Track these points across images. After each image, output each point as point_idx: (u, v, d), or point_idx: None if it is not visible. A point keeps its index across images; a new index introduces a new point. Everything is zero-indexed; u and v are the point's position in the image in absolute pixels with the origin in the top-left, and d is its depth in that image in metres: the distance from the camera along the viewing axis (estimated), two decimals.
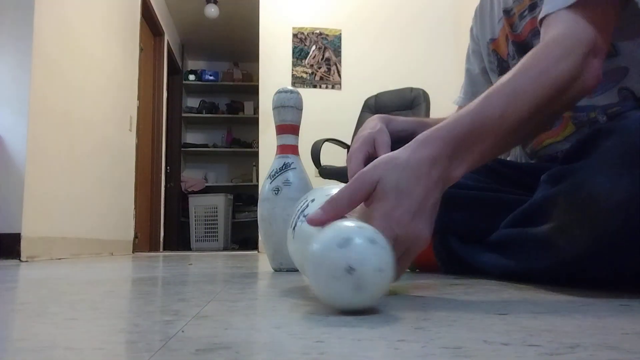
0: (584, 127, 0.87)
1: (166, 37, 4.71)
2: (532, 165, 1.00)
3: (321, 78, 3.89)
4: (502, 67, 1.00)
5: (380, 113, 0.95)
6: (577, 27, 0.67)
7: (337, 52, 3.92)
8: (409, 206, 0.53)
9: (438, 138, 0.56)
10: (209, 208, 5.32)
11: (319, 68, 3.89)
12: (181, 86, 5.64)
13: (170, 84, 4.95)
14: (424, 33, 3.96)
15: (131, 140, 3.56)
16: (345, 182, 0.56)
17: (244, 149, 5.82)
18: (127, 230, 3.44)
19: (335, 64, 3.90)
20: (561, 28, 0.67)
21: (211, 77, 5.89)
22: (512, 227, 0.77)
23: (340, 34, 3.94)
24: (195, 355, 0.30)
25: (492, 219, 0.83)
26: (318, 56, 3.89)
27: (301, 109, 1.22)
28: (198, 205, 5.33)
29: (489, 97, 0.60)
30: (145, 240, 4.06)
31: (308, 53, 3.90)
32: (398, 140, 0.88)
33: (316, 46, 3.90)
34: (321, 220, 0.51)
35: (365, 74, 3.86)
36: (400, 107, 3.19)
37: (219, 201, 5.33)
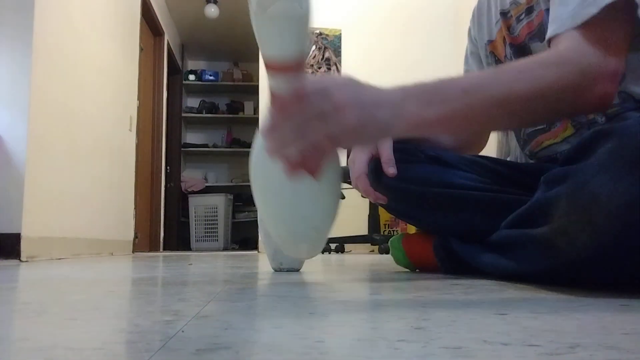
0: (583, 128, 0.87)
1: (166, 37, 4.70)
2: (532, 165, 0.99)
3: None
4: None
5: None
6: (585, 47, 0.67)
7: (337, 52, 3.92)
8: (359, 88, 0.57)
9: (401, 86, 0.62)
10: (209, 208, 5.32)
11: (319, 68, 3.89)
12: (181, 86, 5.63)
13: (170, 83, 4.94)
14: (424, 33, 3.95)
15: (131, 140, 3.56)
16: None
17: (244, 149, 5.80)
18: (127, 230, 3.44)
19: (335, 64, 3.90)
20: (569, 46, 0.68)
21: (211, 77, 5.89)
22: (512, 227, 0.77)
23: (340, 33, 3.94)
24: (195, 355, 0.30)
25: (492, 219, 0.83)
26: (318, 56, 3.90)
27: None
28: (198, 205, 5.33)
29: (467, 73, 0.63)
30: (145, 240, 4.05)
31: (308, 53, 3.90)
32: (399, 140, 0.88)
33: (316, 46, 3.90)
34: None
35: (365, 74, 3.84)
36: None
37: (219, 201, 5.33)
